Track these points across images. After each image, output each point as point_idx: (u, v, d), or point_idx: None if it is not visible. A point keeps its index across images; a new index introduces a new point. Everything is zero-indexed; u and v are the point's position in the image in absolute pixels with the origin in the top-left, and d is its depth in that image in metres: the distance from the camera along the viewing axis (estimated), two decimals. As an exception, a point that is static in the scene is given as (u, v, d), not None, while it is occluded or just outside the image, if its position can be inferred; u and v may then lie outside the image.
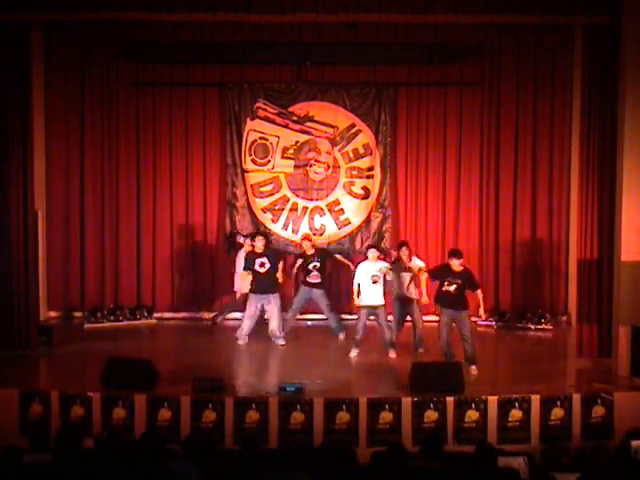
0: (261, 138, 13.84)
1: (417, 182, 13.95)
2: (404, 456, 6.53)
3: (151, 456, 6.25)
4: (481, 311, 10.88)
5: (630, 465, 7.14)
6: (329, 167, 13.88)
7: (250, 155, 13.86)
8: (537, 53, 13.41)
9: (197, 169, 14.00)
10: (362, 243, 13.92)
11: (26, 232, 11.28)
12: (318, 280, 12.46)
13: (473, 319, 11.35)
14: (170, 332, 13.41)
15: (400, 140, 13.89)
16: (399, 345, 11.44)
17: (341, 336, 12.35)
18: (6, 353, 10.97)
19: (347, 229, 13.96)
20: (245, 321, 11.97)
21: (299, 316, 13.34)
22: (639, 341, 10.19)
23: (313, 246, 12.70)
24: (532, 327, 13.27)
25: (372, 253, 11.43)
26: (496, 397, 9.36)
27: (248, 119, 13.81)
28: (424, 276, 11.46)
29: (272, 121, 13.83)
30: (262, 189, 13.92)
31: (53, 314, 13.78)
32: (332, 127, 13.83)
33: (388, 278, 11.40)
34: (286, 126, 13.83)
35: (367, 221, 13.94)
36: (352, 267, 12.29)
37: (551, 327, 13.25)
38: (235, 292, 13.06)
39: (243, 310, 12.25)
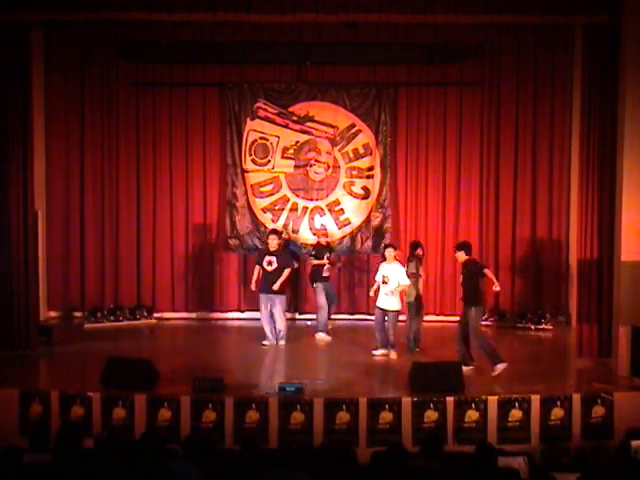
0: (261, 138, 13.85)
1: (417, 182, 13.95)
2: (404, 456, 6.53)
3: (151, 456, 6.25)
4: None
5: (630, 465, 7.13)
6: (329, 167, 13.88)
7: (250, 155, 13.87)
8: (537, 53, 13.43)
9: (197, 169, 14.01)
10: (362, 243, 13.93)
11: (26, 232, 11.27)
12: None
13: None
14: (170, 332, 13.42)
15: (400, 140, 13.89)
16: (400, 345, 11.44)
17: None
18: (6, 353, 10.97)
19: (347, 229, 13.96)
20: (263, 324, 11.98)
21: (298, 316, 13.38)
22: (639, 341, 10.19)
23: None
24: (532, 327, 13.29)
25: (389, 252, 11.39)
26: (496, 397, 9.35)
27: (248, 119, 13.81)
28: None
29: (272, 121, 13.84)
30: (262, 189, 13.93)
31: (53, 314, 13.80)
32: (332, 127, 13.84)
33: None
34: (286, 126, 13.84)
35: (367, 221, 13.94)
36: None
37: (551, 327, 13.26)
38: None
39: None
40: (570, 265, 13.32)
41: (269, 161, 13.90)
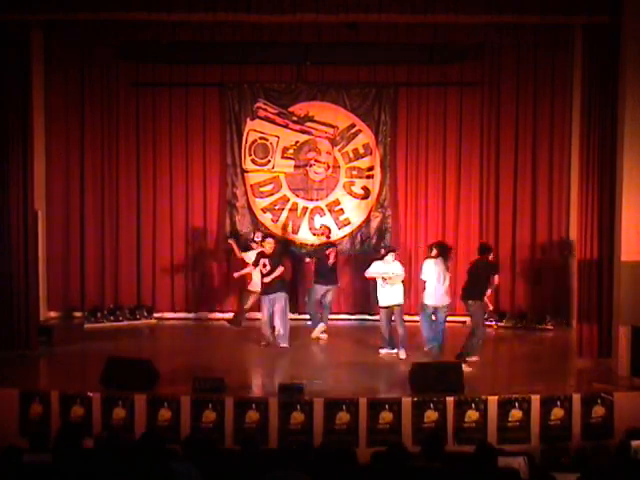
0: (261, 138, 13.85)
1: (417, 182, 13.95)
2: (404, 456, 6.53)
3: (151, 456, 6.24)
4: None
5: (630, 465, 7.13)
6: (329, 167, 13.88)
7: (250, 155, 13.87)
8: (537, 53, 13.41)
9: (197, 169, 14.00)
10: (362, 243, 13.93)
11: (26, 232, 11.27)
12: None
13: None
14: (170, 332, 13.42)
15: (400, 140, 13.89)
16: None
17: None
18: (6, 353, 10.97)
19: (347, 229, 13.96)
20: (262, 326, 11.95)
21: (299, 316, 13.38)
22: (639, 341, 10.19)
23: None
24: (532, 327, 13.27)
25: (391, 256, 11.51)
26: (496, 397, 9.35)
27: (248, 119, 13.82)
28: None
29: (272, 121, 13.84)
30: (262, 189, 13.93)
31: (53, 314, 13.79)
32: (332, 127, 13.84)
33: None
34: (286, 126, 13.84)
35: (367, 221, 13.94)
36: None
37: (551, 327, 13.25)
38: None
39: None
40: (570, 265, 13.31)
41: (269, 161, 13.90)
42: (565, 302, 13.57)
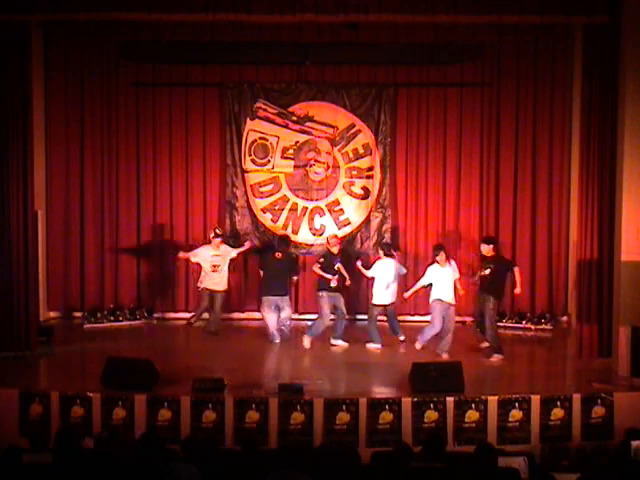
0: (261, 138, 13.85)
1: (417, 182, 13.94)
2: (408, 456, 6.53)
3: (151, 456, 6.25)
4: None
5: (630, 465, 7.13)
6: (329, 167, 13.88)
7: (250, 155, 13.87)
8: (537, 53, 13.41)
9: (197, 169, 13.99)
10: (362, 243, 13.93)
11: (26, 232, 11.27)
12: None
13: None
14: (170, 332, 13.40)
15: (400, 140, 13.88)
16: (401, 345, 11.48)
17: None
18: (6, 353, 10.97)
19: (347, 229, 13.95)
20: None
21: (299, 316, 13.38)
22: (639, 341, 10.19)
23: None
24: (532, 327, 13.28)
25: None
26: (496, 397, 9.35)
27: (248, 119, 13.81)
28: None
29: (272, 121, 13.83)
30: (262, 189, 13.93)
31: (53, 314, 13.78)
32: (332, 127, 13.83)
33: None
34: (286, 126, 13.83)
35: (367, 221, 13.94)
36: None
37: (551, 327, 13.25)
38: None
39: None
40: (570, 265, 13.31)
41: (269, 161, 13.90)
42: (565, 302, 13.59)
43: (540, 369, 10.93)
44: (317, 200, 13.94)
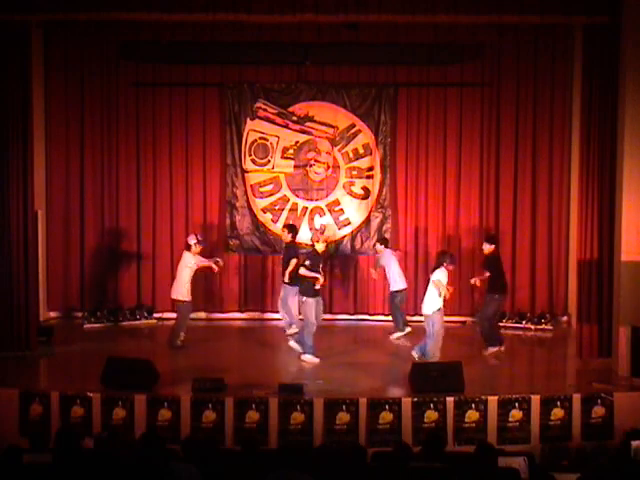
0: (261, 138, 13.85)
1: (417, 182, 13.93)
2: (407, 456, 6.53)
3: (151, 456, 6.25)
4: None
5: (630, 465, 7.14)
6: (329, 167, 13.88)
7: (250, 155, 13.87)
8: (537, 53, 13.41)
9: (197, 169, 13.99)
10: (362, 243, 13.93)
11: (26, 232, 11.27)
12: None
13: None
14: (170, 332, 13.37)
15: (400, 140, 13.88)
16: (401, 345, 11.46)
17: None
18: (6, 353, 10.97)
19: (347, 229, 13.96)
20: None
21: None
22: (639, 341, 10.19)
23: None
24: (532, 327, 13.28)
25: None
26: (496, 397, 9.36)
27: (248, 119, 13.81)
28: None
29: (272, 121, 13.83)
30: (262, 189, 13.93)
31: (53, 314, 13.78)
32: (332, 127, 13.83)
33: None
34: (286, 126, 13.83)
35: (367, 221, 13.94)
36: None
37: (551, 327, 13.25)
38: None
39: None
40: (570, 265, 13.31)
41: (269, 161, 13.90)
42: (565, 302, 13.58)
43: (540, 369, 10.93)
44: (317, 200, 13.94)
